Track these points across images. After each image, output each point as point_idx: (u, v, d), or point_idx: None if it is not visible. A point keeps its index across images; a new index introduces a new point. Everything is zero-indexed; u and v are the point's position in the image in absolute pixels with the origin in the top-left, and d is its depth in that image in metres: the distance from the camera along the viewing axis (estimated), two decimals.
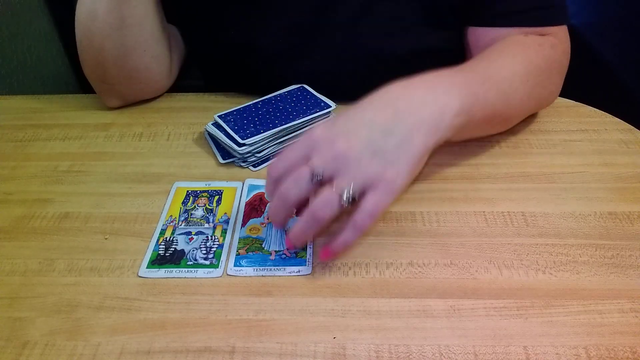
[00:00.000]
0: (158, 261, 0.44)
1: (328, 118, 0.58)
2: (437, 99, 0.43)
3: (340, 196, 0.39)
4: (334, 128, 0.42)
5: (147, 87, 0.65)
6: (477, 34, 0.58)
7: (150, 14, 0.60)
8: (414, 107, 0.42)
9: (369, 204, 0.39)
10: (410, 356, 0.37)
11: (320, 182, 0.40)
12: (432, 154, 0.54)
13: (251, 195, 0.51)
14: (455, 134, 0.44)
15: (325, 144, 0.41)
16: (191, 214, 0.49)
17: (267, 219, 0.48)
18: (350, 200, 0.39)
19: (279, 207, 0.42)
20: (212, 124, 0.57)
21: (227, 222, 0.48)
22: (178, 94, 0.68)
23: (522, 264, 0.43)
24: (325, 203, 0.39)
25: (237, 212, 0.49)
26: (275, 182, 0.42)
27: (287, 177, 0.41)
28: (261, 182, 0.52)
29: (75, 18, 0.59)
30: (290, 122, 0.55)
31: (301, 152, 0.41)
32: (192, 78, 0.74)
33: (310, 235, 0.42)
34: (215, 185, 0.52)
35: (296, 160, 0.41)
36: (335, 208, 0.39)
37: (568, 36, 0.57)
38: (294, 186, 0.40)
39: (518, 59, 0.52)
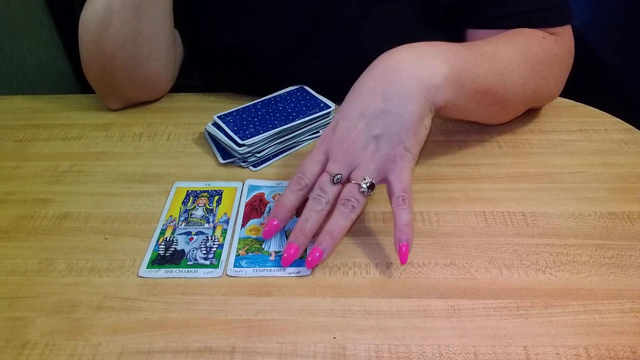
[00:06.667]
0: (158, 261, 0.44)
1: (328, 118, 0.58)
2: (424, 65, 0.45)
3: (360, 186, 0.43)
4: (337, 129, 0.45)
5: (153, 92, 0.65)
6: (478, 37, 0.58)
7: (166, 26, 0.59)
8: (402, 78, 0.44)
9: (396, 184, 0.42)
10: (410, 356, 0.37)
11: (341, 182, 0.44)
12: (432, 154, 0.55)
13: (251, 195, 0.51)
14: (449, 100, 0.46)
15: (333, 146, 0.44)
16: (191, 214, 0.49)
17: (264, 223, 0.48)
18: (369, 188, 0.43)
19: (311, 216, 0.43)
20: (212, 124, 0.57)
21: (227, 222, 0.48)
22: (178, 94, 0.68)
23: (522, 264, 0.43)
24: (349, 196, 0.43)
25: (237, 212, 0.49)
26: (299, 193, 0.45)
27: (314, 189, 0.44)
28: (261, 182, 0.52)
29: (82, 24, 0.58)
30: (289, 122, 0.55)
31: (318, 160, 0.45)
32: (192, 78, 0.74)
33: (344, 229, 0.43)
34: (215, 185, 0.52)
35: (316, 170, 0.45)
36: (359, 198, 0.43)
37: (572, 36, 0.57)
38: (321, 193, 0.43)
39: (517, 45, 0.52)
